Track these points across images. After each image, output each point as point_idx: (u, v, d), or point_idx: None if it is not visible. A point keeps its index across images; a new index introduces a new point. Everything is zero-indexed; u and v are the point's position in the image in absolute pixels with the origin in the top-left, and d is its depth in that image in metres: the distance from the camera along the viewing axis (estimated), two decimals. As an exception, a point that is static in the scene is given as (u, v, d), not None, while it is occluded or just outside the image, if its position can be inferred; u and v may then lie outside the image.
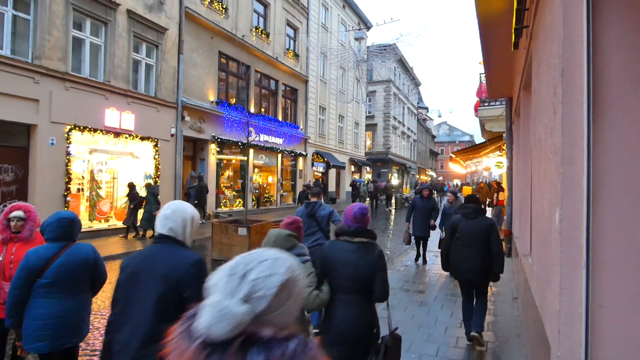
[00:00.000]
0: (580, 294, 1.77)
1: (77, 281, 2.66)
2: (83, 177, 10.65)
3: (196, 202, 12.99)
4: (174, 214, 1.99)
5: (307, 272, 2.55)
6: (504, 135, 9.94)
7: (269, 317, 0.86)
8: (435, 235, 8.41)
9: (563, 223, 1.88)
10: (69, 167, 9.59)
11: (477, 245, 4.17)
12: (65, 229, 2.63)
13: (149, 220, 10.26)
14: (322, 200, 5.27)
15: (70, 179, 9.63)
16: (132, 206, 10.21)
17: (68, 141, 9.55)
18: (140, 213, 10.42)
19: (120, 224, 10.73)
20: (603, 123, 1.76)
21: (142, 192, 10.86)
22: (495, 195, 12.67)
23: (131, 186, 10.32)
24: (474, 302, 4.36)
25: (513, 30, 3.60)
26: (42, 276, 2.51)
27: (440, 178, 54.63)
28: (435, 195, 30.49)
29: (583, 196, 1.77)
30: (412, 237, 8.17)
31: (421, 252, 8.26)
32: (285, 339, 0.83)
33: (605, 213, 1.75)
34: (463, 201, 5.06)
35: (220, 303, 0.83)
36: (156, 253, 1.94)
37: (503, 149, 11.32)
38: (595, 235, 1.75)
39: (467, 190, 23.71)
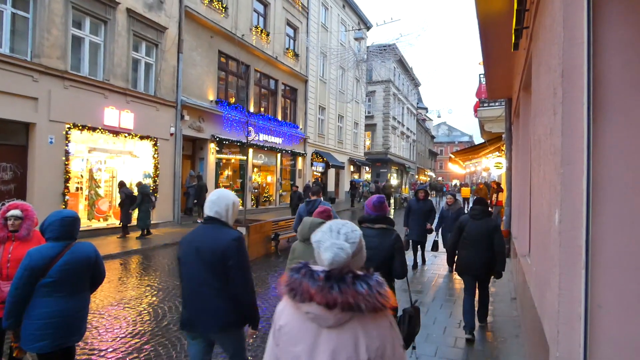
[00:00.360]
0: (580, 294, 1.77)
1: (79, 280, 2.66)
2: (82, 176, 10.65)
3: (195, 201, 12.95)
4: (219, 199, 2.42)
5: None
6: (503, 136, 9.95)
7: (354, 259, 1.28)
8: (432, 238, 8.32)
9: (562, 224, 1.87)
10: (67, 165, 9.57)
11: (481, 244, 4.43)
12: (68, 228, 2.62)
13: (143, 219, 10.25)
14: (322, 198, 5.41)
15: (69, 178, 9.61)
16: (118, 204, 10.23)
17: (67, 140, 9.52)
18: (136, 212, 10.42)
19: (118, 223, 10.71)
20: (603, 123, 1.75)
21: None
22: (494, 195, 12.67)
23: (120, 185, 10.34)
24: (477, 293, 4.64)
25: (513, 31, 3.60)
26: (46, 275, 2.49)
27: (440, 178, 54.63)
28: (434, 194, 30.29)
29: (583, 197, 1.76)
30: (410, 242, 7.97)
31: (418, 258, 8.08)
32: (370, 274, 1.26)
33: (605, 213, 1.75)
34: (462, 204, 5.22)
35: (336, 243, 1.26)
36: (205, 232, 2.40)
37: (502, 150, 11.32)
38: (594, 235, 1.75)
39: (466, 191, 23.65)
